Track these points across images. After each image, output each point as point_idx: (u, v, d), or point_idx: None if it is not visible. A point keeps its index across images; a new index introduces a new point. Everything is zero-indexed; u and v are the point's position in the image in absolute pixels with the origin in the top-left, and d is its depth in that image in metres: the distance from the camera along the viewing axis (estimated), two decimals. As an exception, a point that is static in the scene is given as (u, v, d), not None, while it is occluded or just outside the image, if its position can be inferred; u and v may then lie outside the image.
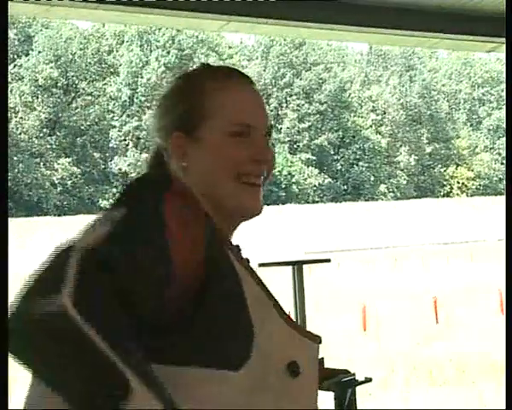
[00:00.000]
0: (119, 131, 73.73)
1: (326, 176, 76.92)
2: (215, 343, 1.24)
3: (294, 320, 1.52)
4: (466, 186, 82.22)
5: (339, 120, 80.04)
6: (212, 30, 4.47)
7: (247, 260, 1.39)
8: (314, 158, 76.95)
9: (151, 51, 76.14)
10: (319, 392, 1.43)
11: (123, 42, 78.65)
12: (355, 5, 3.98)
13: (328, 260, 4.51)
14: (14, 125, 68.31)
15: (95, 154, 72.74)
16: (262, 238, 49.04)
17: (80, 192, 69.72)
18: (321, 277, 25.52)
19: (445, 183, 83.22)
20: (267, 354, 1.29)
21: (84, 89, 74.18)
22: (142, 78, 74.63)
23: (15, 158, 64.98)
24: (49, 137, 71.51)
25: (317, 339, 1.39)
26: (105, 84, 76.11)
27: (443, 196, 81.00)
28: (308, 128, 78.70)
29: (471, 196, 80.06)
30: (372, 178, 78.81)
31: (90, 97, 73.90)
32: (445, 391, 8.92)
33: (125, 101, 74.55)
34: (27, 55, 73.45)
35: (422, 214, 68.40)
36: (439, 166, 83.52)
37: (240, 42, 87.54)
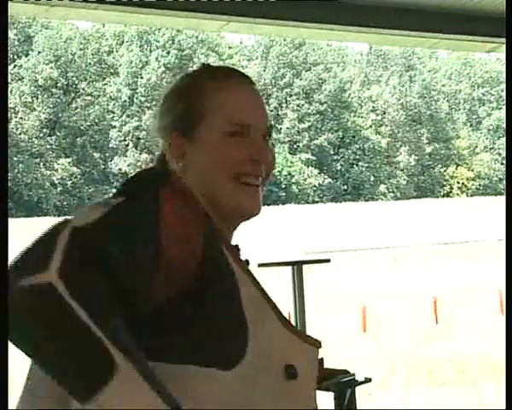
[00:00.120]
0: (118, 131, 73.77)
1: (326, 176, 76.96)
2: (214, 343, 1.24)
3: (294, 321, 1.52)
4: (466, 186, 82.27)
5: (339, 120, 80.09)
6: (211, 30, 4.47)
7: (247, 262, 1.39)
8: (314, 158, 77.00)
9: (151, 51, 76.17)
10: (319, 392, 1.43)
11: (123, 42, 78.69)
12: (355, 5, 3.97)
13: (327, 261, 4.52)
14: (14, 126, 68.35)
15: (95, 154, 72.78)
16: (262, 238, 49.04)
17: (80, 192, 69.75)
18: (321, 277, 25.54)
19: (444, 183, 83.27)
20: (263, 356, 1.29)
21: (83, 89, 74.22)
22: (141, 78, 74.67)
23: (15, 158, 65.02)
24: (48, 138, 71.54)
25: (316, 343, 1.38)
26: (105, 84, 76.15)
27: (443, 196, 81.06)
28: (308, 128, 78.74)
29: (471, 196, 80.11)
30: (372, 179, 78.87)
31: (89, 98, 73.94)
32: (445, 391, 8.92)
33: (125, 101, 74.59)
34: (27, 55, 73.50)
35: (422, 214, 68.43)
36: (439, 166, 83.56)
37: (240, 42, 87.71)
